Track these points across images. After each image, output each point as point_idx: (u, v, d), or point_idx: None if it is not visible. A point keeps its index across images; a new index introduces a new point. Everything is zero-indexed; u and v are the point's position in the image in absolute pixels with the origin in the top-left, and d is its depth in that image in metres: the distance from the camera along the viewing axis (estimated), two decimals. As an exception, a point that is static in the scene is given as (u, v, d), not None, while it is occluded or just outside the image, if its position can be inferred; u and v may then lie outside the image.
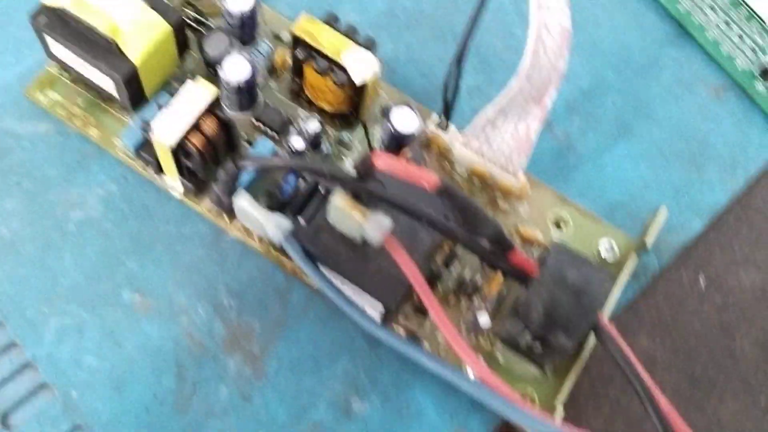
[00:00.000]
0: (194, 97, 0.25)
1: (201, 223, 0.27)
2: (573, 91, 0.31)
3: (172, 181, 0.27)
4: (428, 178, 0.22)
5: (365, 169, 0.22)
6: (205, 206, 0.27)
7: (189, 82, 0.25)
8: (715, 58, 0.32)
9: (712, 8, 0.32)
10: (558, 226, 0.28)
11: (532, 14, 0.23)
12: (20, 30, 0.29)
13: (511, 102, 0.25)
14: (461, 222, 0.23)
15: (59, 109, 0.28)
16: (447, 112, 0.27)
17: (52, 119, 0.28)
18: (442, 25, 0.32)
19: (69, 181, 0.27)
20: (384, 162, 0.22)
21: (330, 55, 0.26)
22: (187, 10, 0.29)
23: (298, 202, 0.25)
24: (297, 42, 0.26)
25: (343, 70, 0.26)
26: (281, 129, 0.28)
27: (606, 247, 0.28)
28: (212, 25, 0.29)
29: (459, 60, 0.25)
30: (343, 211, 0.23)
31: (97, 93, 0.28)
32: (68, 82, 0.28)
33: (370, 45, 0.26)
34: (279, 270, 0.27)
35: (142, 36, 0.25)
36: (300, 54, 0.26)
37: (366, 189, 0.23)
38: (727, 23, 0.32)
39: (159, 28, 0.26)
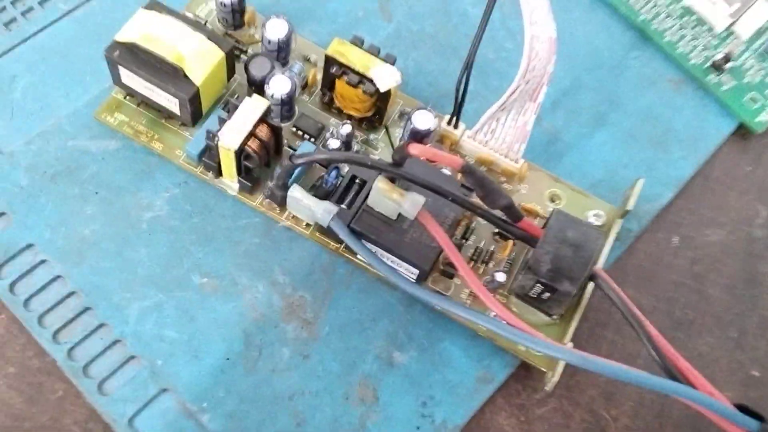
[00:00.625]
0: (251, 109, 0.30)
1: (254, 216, 0.32)
2: (556, 91, 0.36)
3: (230, 182, 0.31)
4: (454, 159, 0.27)
5: (401, 156, 0.27)
6: (257, 201, 0.32)
7: (247, 98, 0.30)
8: (672, 56, 0.37)
9: (667, 16, 0.38)
10: (553, 201, 0.33)
11: (526, 28, 0.29)
12: (84, 65, 0.34)
13: (511, 100, 0.30)
14: (480, 196, 0.28)
15: (126, 128, 0.32)
16: (457, 112, 0.32)
17: (120, 137, 0.32)
18: (442, 42, 0.37)
19: (138, 187, 0.32)
20: (418, 149, 0.27)
21: (360, 70, 0.31)
22: (228, 39, 0.34)
23: (340, 191, 0.30)
24: (330, 60, 0.31)
25: (371, 81, 0.31)
26: (317, 134, 0.32)
27: (594, 215, 0.33)
28: (249, 52, 0.34)
29: (467, 68, 0.30)
30: (384, 193, 0.28)
31: (158, 112, 0.32)
32: (132, 104, 0.33)
33: (391, 60, 0.31)
34: (324, 250, 0.32)
35: (202, 62, 0.30)
36: (334, 70, 0.31)
37: (403, 173, 0.27)
38: (681, 27, 0.38)
39: (215, 55, 0.31)
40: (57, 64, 0.34)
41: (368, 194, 0.29)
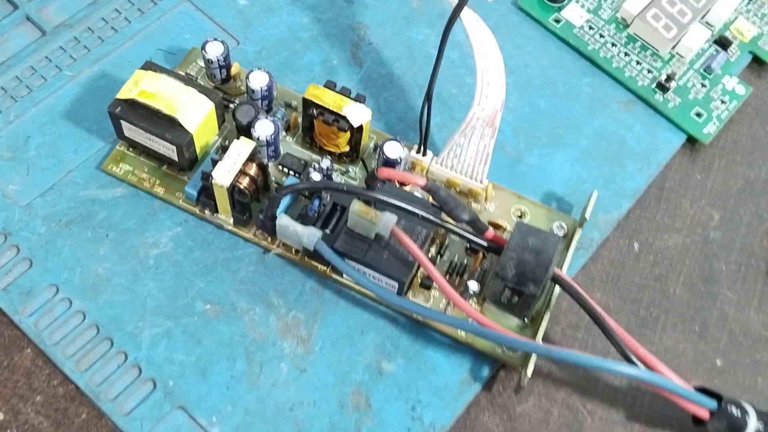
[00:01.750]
0: (240, 150, 0.33)
1: (249, 246, 0.35)
2: (516, 118, 0.39)
3: (225, 217, 0.35)
4: (418, 179, 0.30)
5: (372, 181, 0.31)
6: (250, 232, 0.35)
7: (235, 141, 0.33)
8: (620, 80, 0.41)
9: (613, 44, 0.42)
10: (519, 216, 0.36)
11: (477, 60, 0.32)
12: (90, 123, 0.37)
13: (470, 127, 0.34)
14: (446, 211, 0.31)
15: (131, 176, 0.36)
16: (423, 141, 0.36)
17: (125, 185, 0.36)
18: (409, 82, 0.40)
19: (144, 228, 0.35)
20: (386, 173, 0.30)
21: (334, 109, 0.34)
22: (216, 91, 0.38)
23: (323, 217, 0.34)
24: (307, 103, 0.35)
25: (344, 118, 0.34)
26: (301, 170, 0.36)
27: (557, 226, 0.36)
28: (236, 101, 0.38)
29: (427, 100, 0.34)
30: (360, 215, 0.31)
31: (158, 160, 0.36)
32: (134, 155, 0.36)
33: (361, 99, 0.35)
34: (313, 273, 0.35)
35: (195, 112, 0.34)
36: (311, 111, 0.35)
37: (375, 195, 0.31)
38: (626, 54, 0.42)
39: (206, 106, 0.34)
40: (66, 124, 0.37)
41: (347, 218, 0.33)
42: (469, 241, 0.32)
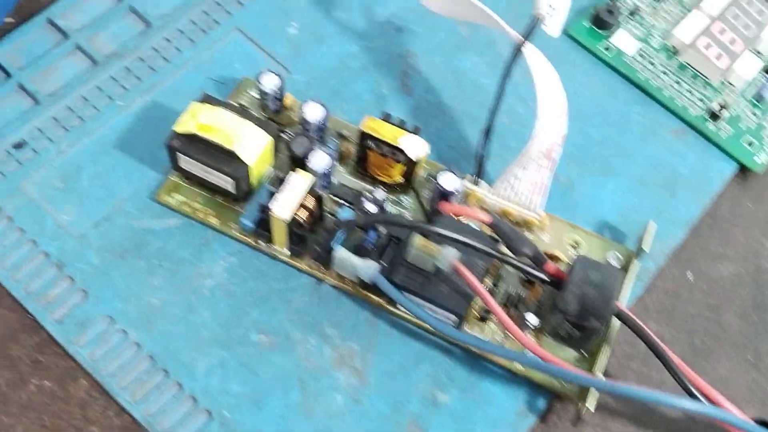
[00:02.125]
0: (298, 183, 0.33)
1: (303, 277, 0.35)
2: (568, 146, 0.38)
3: (280, 247, 0.35)
4: (483, 215, 0.30)
5: (434, 214, 0.30)
6: (305, 263, 0.35)
7: (293, 173, 0.33)
8: (672, 109, 0.40)
9: (664, 73, 0.41)
10: (574, 246, 0.36)
11: (538, 95, 0.32)
12: (141, 152, 0.37)
13: (528, 159, 0.33)
14: (507, 246, 0.31)
15: (184, 206, 0.36)
16: (479, 172, 0.35)
17: (178, 215, 0.36)
18: (459, 111, 0.40)
19: (198, 258, 0.35)
20: (448, 207, 0.30)
21: (390, 142, 0.34)
22: (272, 124, 0.38)
23: (380, 249, 0.33)
24: (364, 135, 0.34)
25: (401, 151, 0.34)
26: (354, 200, 0.36)
27: (612, 257, 0.35)
28: (290, 132, 0.37)
29: (486, 133, 0.34)
30: (420, 249, 0.31)
31: (212, 190, 0.36)
32: (188, 185, 0.36)
33: (417, 131, 0.35)
34: (367, 303, 0.34)
35: (253, 146, 0.34)
36: (368, 144, 0.34)
37: (436, 230, 0.30)
38: (677, 82, 0.41)
39: (263, 139, 0.34)
40: (118, 154, 0.37)
41: (405, 250, 0.32)
42: (529, 274, 0.32)
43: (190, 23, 0.41)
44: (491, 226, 0.30)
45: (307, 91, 0.40)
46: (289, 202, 0.33)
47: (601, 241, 0.36)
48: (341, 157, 0.37)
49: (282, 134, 0.37)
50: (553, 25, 0.32)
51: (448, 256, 0.31)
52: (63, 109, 0.38)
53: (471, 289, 0.31)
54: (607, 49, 0.42)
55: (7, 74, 0.39)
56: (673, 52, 0.42)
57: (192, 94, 0.39)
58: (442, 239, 0.31)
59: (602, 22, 0.42)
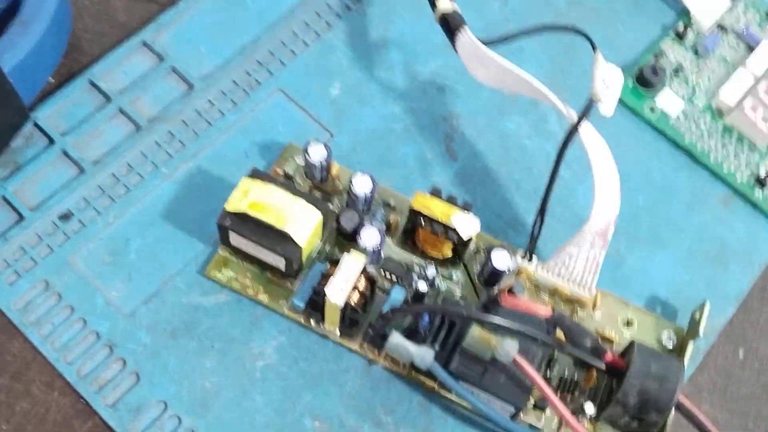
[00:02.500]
0: (351, 264, 0.32)
1: (355, 358, 0.34)
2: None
3: (331, 328, 0.34)
4: (543, 310, 0.29)
5: (493, 305, 0.30)
6: (356, 344, 0.34)
7: (346, 255, 0.32)
8: (719, 174, 0.40)
9: (709, 136, 0.40)
10: (627, 325, 0.35)
11: (596, 176, 0.31)
12: (188, 223, 0.36)
13: (583, 238, 0.33)
14: (569, 340, 0.30)
15: (234, 282, 0.35)
16: (531, 249, 0.35)
17: (228, 291, 0.35)
18: (504, 176, 0.39)
19: (249, 338, 0.34)
20: (510, 302, 0.29)
21: (442, 220, 0.33)
22: (314, 192, 0.37)
23: (434, 333, 0.33)
24: (415, 213, 0.34)
25: (453, 230, 0.33)
26: (403, 275, 0.35)
27: (666, 337, 0.35)
28: (336, 202, 0.37)
29: (541, 213, 0.33)
30: (480, 340, 0.30)
31: (261, 266, 0.35)
32: (237, 260, 0.35)
33: (469, 207, 0.34)
34: (420, 388, 0.34)
35: (305, 225, 0.33)
36: (419, 222, 0.34)
37: (497, 323, 0.30)
38: (723, 146, 0.40)
39: (315, 217, 0.33)
40: (165, 225, 0.36)
41: (460, 334, 0.32)
42: (589, 365, 0.31)
43: (232, 84, 0.40)
44: (553, 321, 0.30)
45: (351, 156, 0.39)
46: (343, 285, 0.32)
47: (653, 318, 0.35)
48: (388, 228, 0.36)
49: (328, 202, 0.37)
50: (608, 105, 0.31)
51: (510, 351, 0.30)
52: (108, 177, 0.37)
53: (531, 381, 0.30)
54: (651, 110, 0.41)
55: (51, 140, 0.38)
56: (718, 114, 0.41)
57: (236, 159, 0.38)
58: (501, 330, 0.30)
59: (646, 82, 0.41)
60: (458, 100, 0.41)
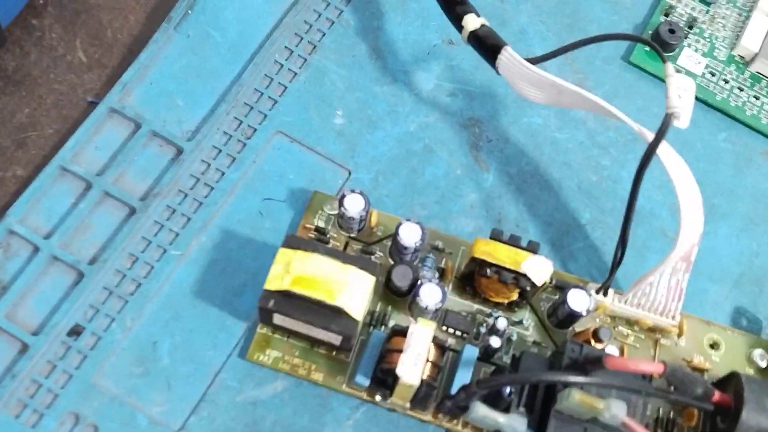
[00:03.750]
0: (420, 336, 0.28)
1: (429, 429, 0.30)
2: (667, 196, 0.34)
3: (401, 402, 0.29)
4: (655, 367, 0.25)
5: (595, 367, 0.26)
6: (428, 414, 0.30)
7: (414, 325, 0.28)
8: (758, 129, 0.36)
9: (740, 89, 0.36)
10: (713, 347, 0.31)
11: (681, 198, 0.27)
12: (216, 307, 0.31)
13: (667, 267, 0.29)
14: (680, 391, 0.26)
15: (281, 363, 0.30)
16: (607, 282, 0.30)
17: (284, 376, 0.30)
18: (544, 176, 0.34)
19: (321, 424, 0.30)
20: (616, 364, 0.25)
21: (511, 267, 0.29)
22: (353, 243, 0.32)
23: (518, 398, 0.28)
24: (479, 262, 0.29)
25: (524, 276, 0.29)
26: (468, 329, 0.30)
27: (758, 356, 0.31)
28: (378, 252, 0.32)
29: (622, 246, 0.28)
30: (583, 405, 0.26)
31: (311, 342, 0.30)
32: (280, 337, 0.30)
33: (534, 247, 0.29)
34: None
35: (359, 295, 0.28)
36: (484, 271, 0.29)
37: (600, 384, 0.26)
38: (756, 97, 0.36)
39: (368, 282, 0.28)
40: (191, 315, 0.31)
41: (548, 392, 0.28)
42: (698, 408, 0.28)
43: (224, 135, 0.34)
44: (667, 377, 0.26)
45: (375, 190, 0.33)
46: (415, 361, 0.27)
47: (739, 336, 0.31)
48: (441, 275, 0.31)
49: (371, 255, 0.31)
50: (684, 117, 0.26)
51: (619, 414, 0.26)
52: (112, 274, 0.31)
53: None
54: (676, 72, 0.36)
55: (35, 247, 0.31)
56: (742, 63, 0.37)
57: (251, 221, 0.33)
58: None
59: (665, 44, 0.36)
60: (474, 103, 0.36)
